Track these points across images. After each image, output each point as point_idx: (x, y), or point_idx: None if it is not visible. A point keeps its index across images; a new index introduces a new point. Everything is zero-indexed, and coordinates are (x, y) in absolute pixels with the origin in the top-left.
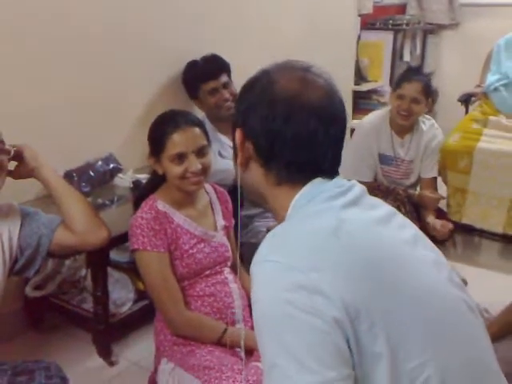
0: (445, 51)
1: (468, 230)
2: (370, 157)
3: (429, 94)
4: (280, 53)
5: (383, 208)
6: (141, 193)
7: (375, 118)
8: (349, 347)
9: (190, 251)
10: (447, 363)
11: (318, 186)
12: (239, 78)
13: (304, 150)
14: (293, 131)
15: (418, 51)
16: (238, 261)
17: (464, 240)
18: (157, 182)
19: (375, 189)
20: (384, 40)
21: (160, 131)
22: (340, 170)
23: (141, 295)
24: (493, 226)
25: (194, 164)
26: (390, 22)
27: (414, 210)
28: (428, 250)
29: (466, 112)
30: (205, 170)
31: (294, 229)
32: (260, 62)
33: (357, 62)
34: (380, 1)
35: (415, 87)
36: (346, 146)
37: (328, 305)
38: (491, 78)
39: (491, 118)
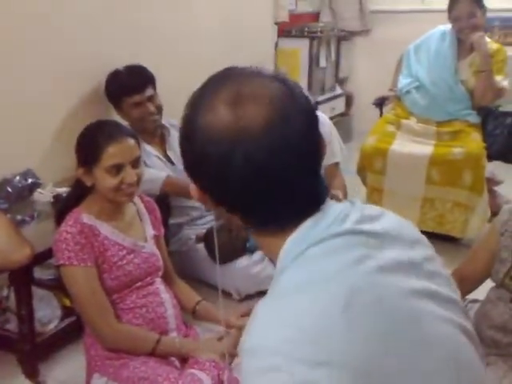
0: (358, 57)
1: None
2: None
3: None
4: (201, 63)
5: (393, 251)
6: (63, 206)
7: None
8: None
9: (119, 263)
10: None
11: (306, 234)
12: (162, 89)
13: (265, 193)
14: (242, 176)
15: (333, 57)
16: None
17: None
18: (79, 194)
19: None
20: (300, 47)
21: (93, 142)
22: None
23: (67, 312)
24: None
25: (131, 175)
26: (306, 29)
27: None
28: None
29: (381, 115)
30: (139, 181)
31: (291, 306)
32: (179, 73)
33: (275, 69)
34: (294, 9)
35: None
36: None
37: None
38: (403, 82)
39: (403, 121)
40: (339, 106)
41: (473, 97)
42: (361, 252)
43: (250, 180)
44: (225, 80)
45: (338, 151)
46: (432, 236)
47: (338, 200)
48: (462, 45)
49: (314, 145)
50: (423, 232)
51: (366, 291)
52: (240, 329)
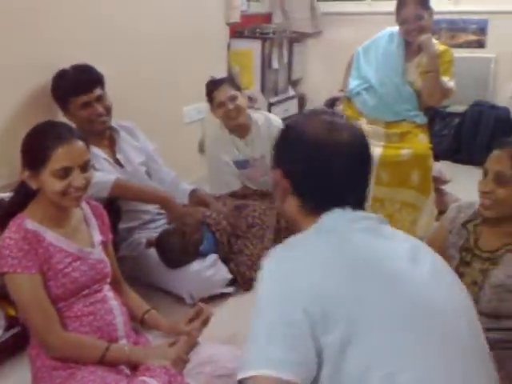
0: (310, 58)
1: None
2: (228, 167)
3: (239, 87)
4: (152, 64)
5: (400, 243)
6: (6, 212)
7: (215, 134)
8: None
9: (66, 270)
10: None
11: (334, 213)
12: (111, 91)
13: (333, 187)
14: (323, 170)
15: (286, 59)
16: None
17: None
18: (23, 199)
19: (253, 194)
20: (253, 48)
21: (41, 144)
22: (209, 186)
23: (12, 322)
24: None
25: (79, 179)
26: (258, 30)
27: None
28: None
29: None
30: (87, 185)
31: (302, 241)
32: (130, 72)
33: (229, 69)
34: (247, 9)
35: (225, 90)
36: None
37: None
38: (353, 83)
39: (354, 123)
40: (292, 107)
41: (420, 97)
42: (365, 227)
43: (330, 176)
44: (321, 113)
45: None
46: None
47: None
48: (410, 46)
49: (369, 163)
50: None
51: (356, 244)
52: (189, 334)
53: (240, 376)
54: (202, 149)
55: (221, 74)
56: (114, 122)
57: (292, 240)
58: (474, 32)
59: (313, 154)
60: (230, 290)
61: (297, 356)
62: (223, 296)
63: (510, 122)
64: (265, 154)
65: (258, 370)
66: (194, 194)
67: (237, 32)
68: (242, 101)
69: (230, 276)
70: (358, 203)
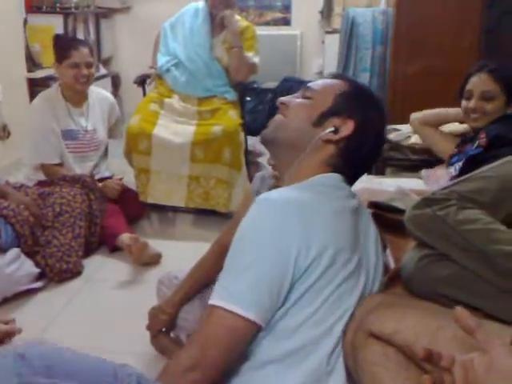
0: (120, 35)
1: (162, 207)
2: (53, 137)
3: (92, 54)
4: None
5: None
6: None
7: (44, 97)
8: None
9: None
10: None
11: (336, 178)
12: None
13: (365, 160)
14: (376, 143)
15: (93, 35)
16: None
17: (159, 217)
18: None
19: (61, 179)
20: (54, 24)
21: None
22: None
23: None
24: (176, 201)
25: None
26: (58, 5)
27: (102, 195)
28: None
29: (144, 94)
30: None
31: (312, 201)
32: None
33: (27, 47)
34: None
35: (85, 53)
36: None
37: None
38: (162, 60)
39: (166, 100)
40: (105, 87)
41: (228, 73)
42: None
43: (373, 149)
44: (376, 99)
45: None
46: (200, 212)
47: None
48: (215, 22)
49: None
50: (192, 209)
51: (347, 211)
52: None
53: (212, 302)
54: (1, 135)
55: (18, 52)
56: None
57: (283, 190)
58: (279, 10)
59: (380, 126)
60: (39, 284)
61: (270, 300)
62: (31, 291)
63: None
64: (97, 127)
65: (228, 304)
66: None
67: (34, 7)
68: (93, 71)
69: (36, 270)
70: (353, 182)
